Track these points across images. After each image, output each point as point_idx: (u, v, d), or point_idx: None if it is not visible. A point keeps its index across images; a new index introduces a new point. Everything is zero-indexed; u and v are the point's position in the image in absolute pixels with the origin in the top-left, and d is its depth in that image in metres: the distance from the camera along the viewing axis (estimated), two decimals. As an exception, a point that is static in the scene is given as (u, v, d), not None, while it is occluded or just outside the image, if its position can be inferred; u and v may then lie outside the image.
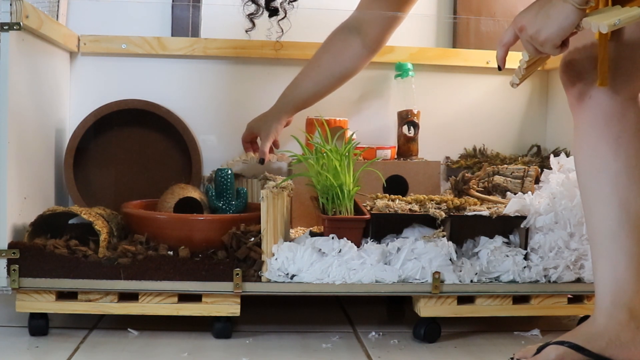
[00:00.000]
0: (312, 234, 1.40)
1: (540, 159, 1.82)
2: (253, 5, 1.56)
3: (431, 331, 1.36)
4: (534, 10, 1.07)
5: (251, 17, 1.58)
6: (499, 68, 1.15)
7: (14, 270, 1.29)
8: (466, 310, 1.37)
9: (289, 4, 1.57)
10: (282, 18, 1.58)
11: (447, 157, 1.89)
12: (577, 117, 1.18)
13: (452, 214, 1.39)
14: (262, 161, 1.62)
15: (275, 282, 1.32)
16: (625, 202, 1.12)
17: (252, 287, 1.32)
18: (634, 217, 1.12)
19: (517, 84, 1.20)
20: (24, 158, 1.41)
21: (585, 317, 1.34)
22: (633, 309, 1.11)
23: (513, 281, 1.37)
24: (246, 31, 1.61)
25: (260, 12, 1.58)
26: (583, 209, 1.19)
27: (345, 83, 1.65)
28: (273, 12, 1.58)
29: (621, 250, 1.12)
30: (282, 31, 1.60)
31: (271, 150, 1.65)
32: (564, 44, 1.07)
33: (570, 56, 1.19)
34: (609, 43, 1.11)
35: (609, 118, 1.13)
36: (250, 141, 1.69)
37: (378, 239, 1.39)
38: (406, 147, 1.78)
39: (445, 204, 1.41)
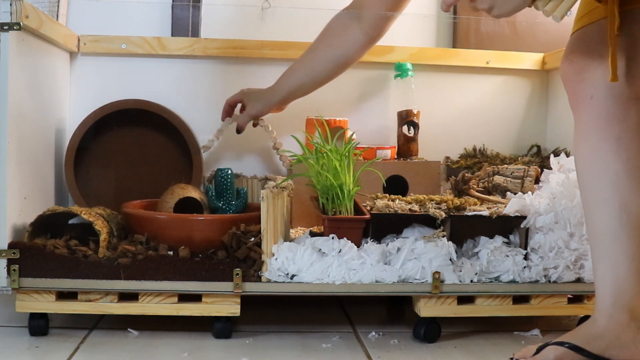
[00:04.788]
0: (312, 234, 1.40)
1: (540, 159, 1.82)
2: None
3: (431, 331, 1.36)
4: None
5: None
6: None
7: (14, 270, 1.29)
8: (466, 310, 1.37)
9: None
10: None
11: (447, 157, 1.89)
12: (577, 116, 1.18)
13: (452, 214, 1.39)
14: (238, 131, 1.64)
15: (275, 282, 1.32)
16: (626, 203, 1.12)
17: (252, 287, 1.32)
18: (634, 218, 1.12)
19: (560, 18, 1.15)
20: (24, 158, 1.41)
21: (585, 317, 1.34)
22: (633, 310, 1.11)
23: (513, 281, 1.37)
24: None
25: None
26: (583, 209, 1.18)
27: (343, 75, 1.62)
28: None
29: (622, 252, 1.12)
30: None
31: (254, 124, 1.67)
32: None
33: (572, 55, 1.18)
34: (618, 39, 1.11)
35: (610, 118, 1.13)
36: (233, 105, 1.67)
37: (378, 239, 1.39)
38: (406, 147, 1.78)
39: (445, 204, 1.41)
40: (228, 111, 1.67)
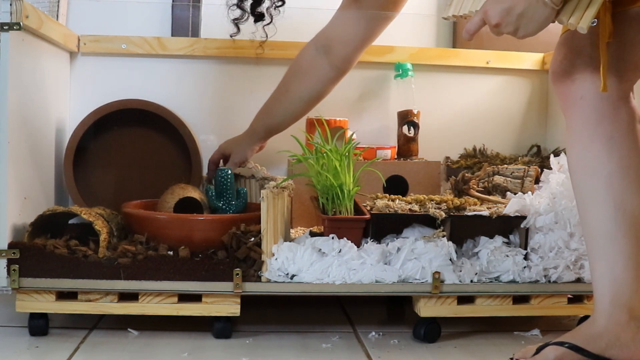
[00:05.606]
0: (312, 234, 1.40)
1: (540, 159, 1.82)
2: (238, 10, 1.54)
3: (431, 331, 1.36)
4: (505, 3, 1.05)
5: (236, 22, 1.56)
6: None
7: (14, 270, 1.29)
8: (466, 310, 1.37)
9: (275, 9, 1.54)
10: (268, 23, 1.56)
11: (447, 157, 1.89)
12: (569, 118, 1.18)
13: (452, 214, 1.39)
14: None
15: (275, 282, 1.32)
16: (621, 202, 1.12)
17: (252, 287, 1.32)
18: (629, 216, 1.12)
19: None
20: (24, 158, 1.41)
21: (585, 317, 1.34)
22: (632, 309, 1.11)
23: (513, 281, 1.37)
24: (231, 36, 1.59)
25: (245, 17, 1.55)
26: (578, 209, 1.18)
27: (336, 88, 1.62)
28: (258, 17, 1.55)
29: (618, 251, 1.12)
30: (267, 36, 1.58)
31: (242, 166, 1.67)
32: None
33: (560, 57, 1.18)
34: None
35: (600, 118, 1.13)
36: (217, 163, 1.67)
37: (378, 239, 1.39)
38: (406, 147, 1.78)
39: (445, 204, 1.41)
40: (214, 170, 1.66)
